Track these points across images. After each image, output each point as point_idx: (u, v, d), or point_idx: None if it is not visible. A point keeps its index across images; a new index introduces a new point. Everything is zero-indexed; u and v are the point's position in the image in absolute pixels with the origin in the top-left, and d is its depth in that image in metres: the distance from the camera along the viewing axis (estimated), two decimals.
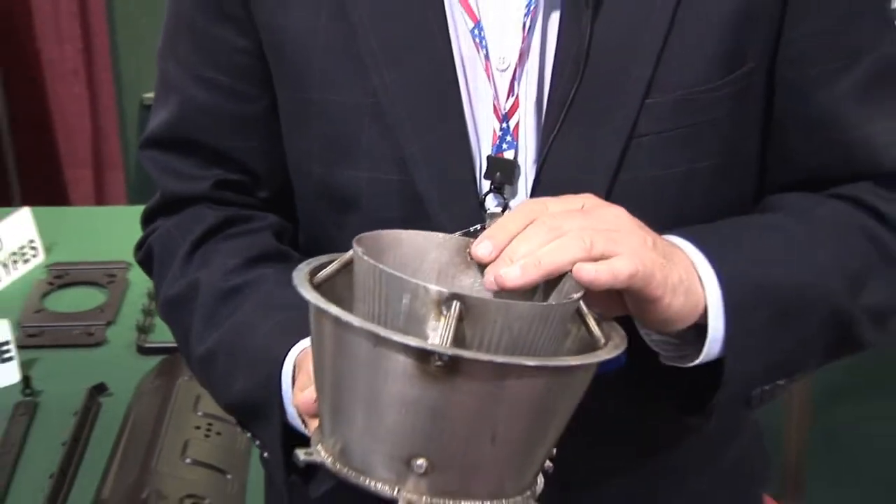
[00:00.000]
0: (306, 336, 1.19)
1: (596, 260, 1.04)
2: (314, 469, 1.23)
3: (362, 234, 1.07)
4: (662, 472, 1.36)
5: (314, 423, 1.12)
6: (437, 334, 0.99)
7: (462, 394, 0.99)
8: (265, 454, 1.32)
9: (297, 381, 1.19)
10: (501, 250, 1.05)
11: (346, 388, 1.04)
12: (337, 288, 1.08)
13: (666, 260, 1.11)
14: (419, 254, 1.12)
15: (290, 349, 1.25)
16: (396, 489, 1.02)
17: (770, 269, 1.20)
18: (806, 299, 1.22)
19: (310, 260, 1.10)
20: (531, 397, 1.02)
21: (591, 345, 1.07)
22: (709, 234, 1.20)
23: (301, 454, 1.07)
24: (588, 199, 1.11)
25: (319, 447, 1.07)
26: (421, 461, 1.02)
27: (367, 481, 1.03)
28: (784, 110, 1.30)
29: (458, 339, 0.99)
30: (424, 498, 1.02)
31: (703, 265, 1.15)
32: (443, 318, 1.00)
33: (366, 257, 1.03)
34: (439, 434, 1.02)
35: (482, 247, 1.06)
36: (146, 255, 1.45)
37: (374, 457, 1.04)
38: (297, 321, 1.22)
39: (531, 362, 0.99)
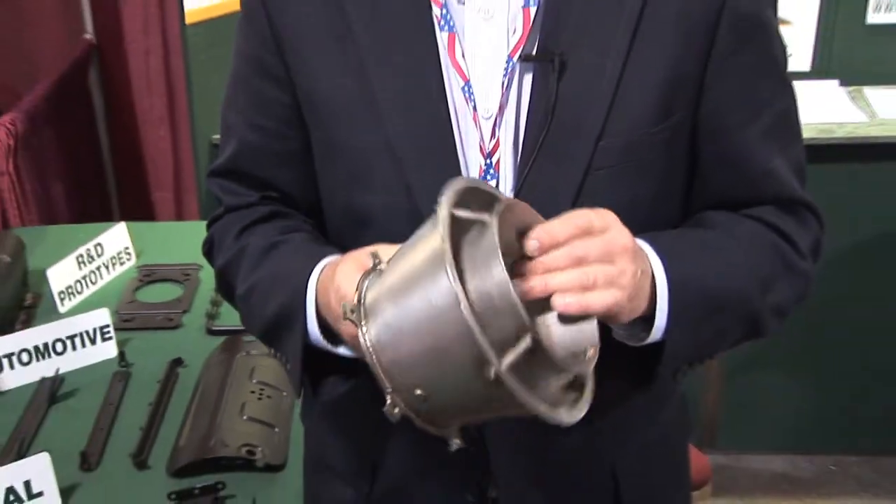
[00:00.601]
0: (325, 259, 1.27)
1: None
2: (324, 378, 1.30)
3: (513, 200, 1.08)
4: (611, 430, 1.34)
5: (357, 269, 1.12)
6: (502, 349, 0.99)
7: (486, 390, 0.99)
8: (287, 366, 1.31)
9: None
10: (544, 248, 1.06)
11: (415, 311, 1.03)
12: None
13: (640, 284, 1.14)
14: (521, 226, 1.10)
15: (313, 267, 1.26)
16: (391, 389, 1.04)
17: (705, 280, 1.22)
18: (729, 300, 1.25)
19: (466, 182, 1.08)
20: (518, 411, 1.02)
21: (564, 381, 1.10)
22: (667, 246, 1.21)
23: (348, 308, 1.06)
24: (607, 217, 1.12)
25: (363, 315, 1.06)
26: (420, 392, 1.03)
27: (378, 369, 1.04)
28: (705, 150, 1.30)
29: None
30: (402, 407, 1.04)
31: (660, 276, 1.18)
32: (514, 346, 0.99)
33: (496, 237, 1.02)
34: (449, 389, 1.02)
35: (531, 244, 1.06)
36: (209, 245, 1.45)
37: (392, 365, 1.04)
38: (321, 258, 1.27)
39: (547, 412, 1.02)
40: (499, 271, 1.01)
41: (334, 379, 1.30)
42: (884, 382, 3.50)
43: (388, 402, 1.03)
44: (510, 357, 0.98)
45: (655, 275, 1.17)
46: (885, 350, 3.45)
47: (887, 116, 3.28)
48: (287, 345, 1.29)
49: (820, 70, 3.48)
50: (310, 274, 1.25)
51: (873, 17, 3.43)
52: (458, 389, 1.02)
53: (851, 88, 3.45)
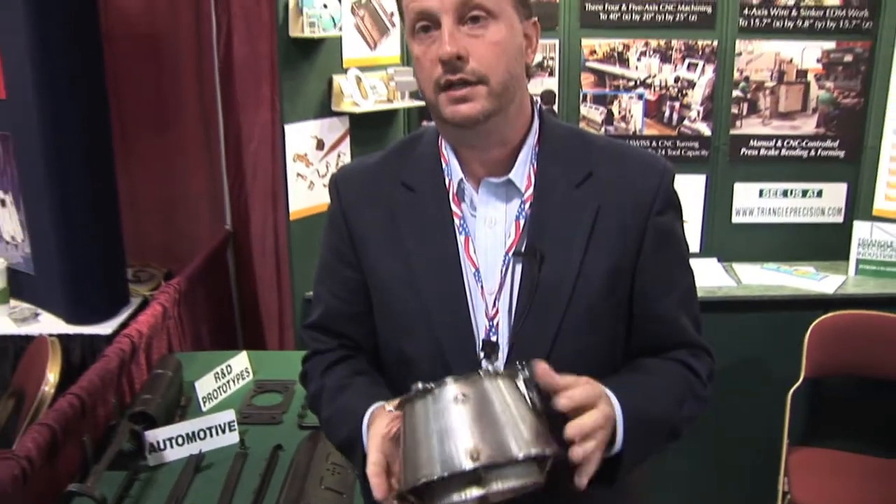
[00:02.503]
0: (374, 404, 1.22)
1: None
2: None
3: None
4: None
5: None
6: None
7: None
8: (356, 471, 1.27)
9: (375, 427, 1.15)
10: (572, 407, 1.07)
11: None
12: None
13: (610, 428, 1.12)
14: None
15: (366, 410, 1.22)
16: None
17: (646, 412, 1.19)
18: (662, 421, 1.24)
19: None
20: None
21: None
22: (622, 393, 1.16)
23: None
24: (597, 388, 1.11)
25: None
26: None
27: None
28: (637, 314, 1.30)
29: None
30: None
31: (618, 415, 1.14)
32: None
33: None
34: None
35: (564, 403, 1.06)
36: (304, 375, 1.43)
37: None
38: (373, 400, 1.23)
39: None
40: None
41: None
42: (739, 463, 3.43)
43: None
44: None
45: (616, 414, 1.14)
46: (741, 438, 3.38)
47: (749, 283, 3.29)
48: (354, 458, 1.27)
49: (705, 251, 3.51)
50: (363, 416, 1.22)
51: (736, 219, 3.49)
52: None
53: (725, 264, 3.47)
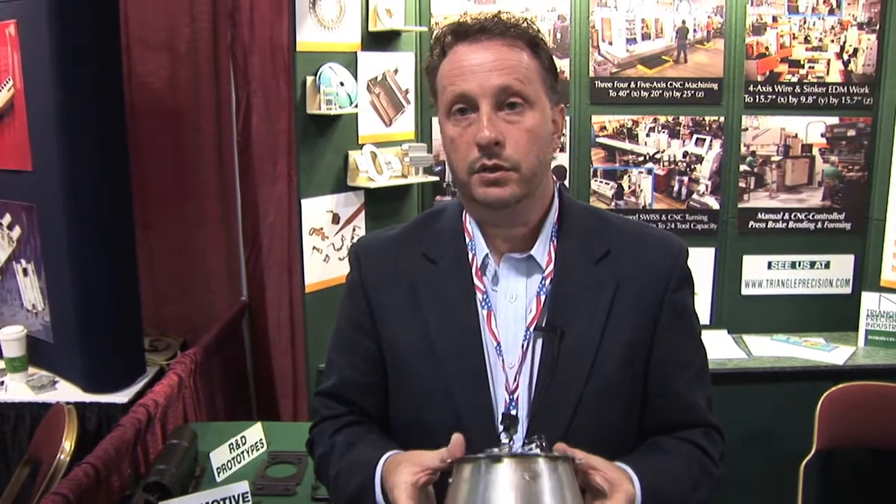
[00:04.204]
0: (387, 453, 1.22)
1: None
2: None
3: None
4: None
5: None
6: None
7: None
8: None
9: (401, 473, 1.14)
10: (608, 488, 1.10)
11: None
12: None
13: None
14: None
15: (380, 458, 1.22)
16: None
17: (662, 490, 1.18)
18: (675, 501, 1.21)
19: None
20: None
21: None
22: (641, 472, 1.16)
23: None
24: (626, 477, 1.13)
25: None
26: None
27: None
28: (652, 389, 1.30)
29: None
30: None
31: (637, 492, 1.14)
32: None
33: None
34: None
35: (599, 482, 1.10)
36: (311, 443, 1.43)
37: None
38: (384, 452, 1.22)
39: None
40: None
41: None
42: None
43: None
44: None
45: (635, 494, 1.14)
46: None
47: (759, 354, 3.27)
48: None
49: (715, 323, 3.51)
50: (377, 464, 1.21)
51: (745, 291, 3.49)
52: None
53: (735, 336, 3.46)
